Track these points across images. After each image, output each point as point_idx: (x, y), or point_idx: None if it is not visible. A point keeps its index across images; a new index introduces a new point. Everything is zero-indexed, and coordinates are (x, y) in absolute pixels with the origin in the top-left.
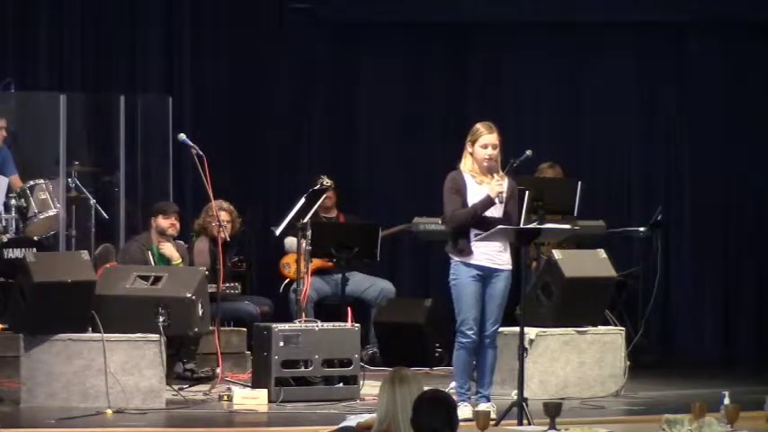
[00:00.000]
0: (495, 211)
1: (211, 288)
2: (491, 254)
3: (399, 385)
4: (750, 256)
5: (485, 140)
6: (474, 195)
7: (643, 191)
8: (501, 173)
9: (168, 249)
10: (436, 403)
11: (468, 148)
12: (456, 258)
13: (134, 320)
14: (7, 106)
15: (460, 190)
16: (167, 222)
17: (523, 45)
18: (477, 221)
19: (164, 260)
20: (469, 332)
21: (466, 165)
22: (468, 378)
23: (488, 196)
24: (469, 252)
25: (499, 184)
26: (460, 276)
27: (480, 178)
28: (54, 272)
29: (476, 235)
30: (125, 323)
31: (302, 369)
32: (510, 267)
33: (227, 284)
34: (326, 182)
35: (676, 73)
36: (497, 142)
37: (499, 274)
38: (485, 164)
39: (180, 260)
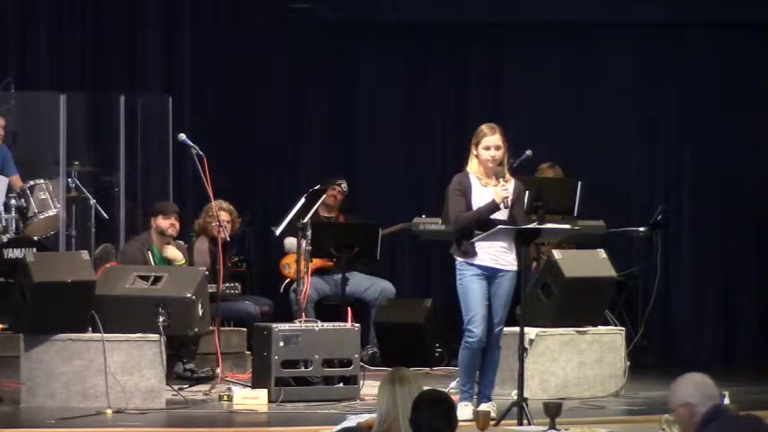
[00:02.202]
0: (501, 215)
1: (211, 288)
2: (495, 254)
3: (399, 385)
4: (750, 256)
5: (487, 142)
6: (479, 197)
7: (643, 191)
8: (507, 176)
9: (172, 252)
10: (435, 403)
11: (474, 151)
12: (460, 259)
13: (134, 320)
14: (7, 106)
15: (465, 192)
16: (167, 223)
17: (523, 45)
18: (482, 225)
19: (164, 260)
20: (476, 330)
21: (472, 167)
22: (473, 377)
23: (493, 201)
24: (473, 253)
25: (504, 189)
26: (465, 276)
27: (486, 180)
28: (54, 272)
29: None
30: (125, 323)
31: (302, 369)
32: (515, 268)
33: (227, 284)
34: (344, 185)
35: (676, 73)
36: (500, 143)
37: (504, 274)
38: (489, 165)
39: (183, 260)
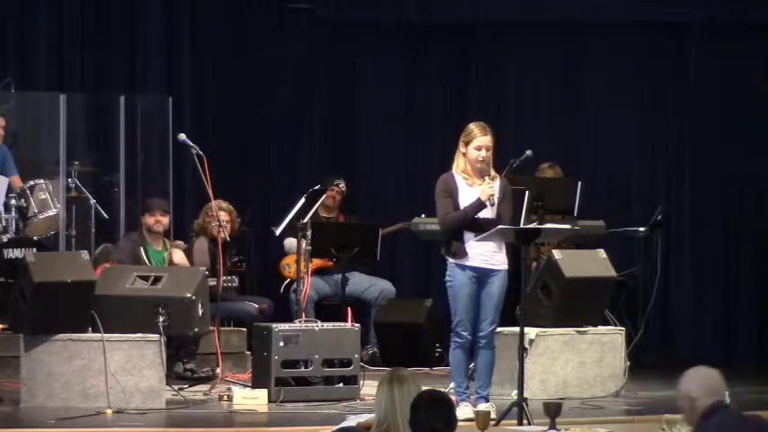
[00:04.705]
0: (488, 213)
1: (211, 282)
2: (486, 255)
3: (397, 386)
4: (750, 256)
5: (478, 142)
6: (465, 197)
7: (643, 191)
8: (493, 174)
9: (178, 257)
10: (435, 403)
11: (462, 149)
12: (451, 260)
13: (134, 320)
14: (7, 106)
15: (452, 192)
16: (152, 219)
17: (523, 45)
18: (470, 224)
19: (158, 258)
20: (464, 333)
21: (458, 165)
22: (466, 377)
23: (479, 199)
24: (464, 254)
25: (490, 187)
26: (456, 278)
27: (472, 180)
28: (54, 272)
29: (475, 236)
30: (125, 323)
31: (302, 369)
32: (506, 268)
33: (225, 277)
34: (342, 185)
35: (676, 73)
36: (491, 144)
37: (495, 274)
38: (477, 165)
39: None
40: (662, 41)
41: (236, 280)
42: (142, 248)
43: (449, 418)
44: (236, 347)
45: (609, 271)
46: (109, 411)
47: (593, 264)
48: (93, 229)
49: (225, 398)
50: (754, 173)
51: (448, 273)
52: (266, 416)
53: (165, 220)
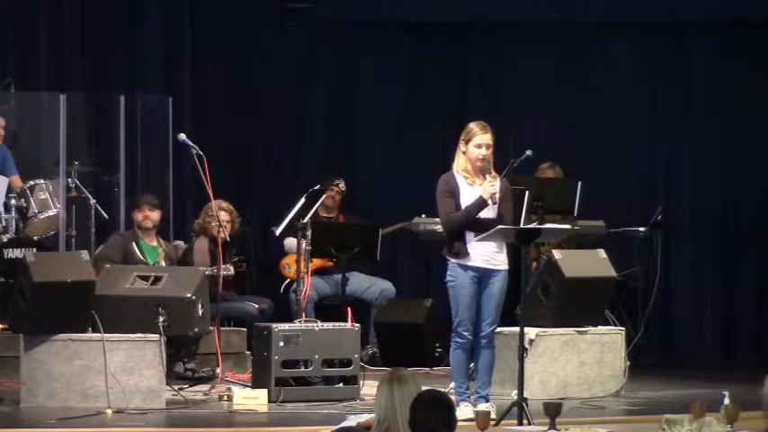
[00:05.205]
0: (489, 213)
1: (209, 271)
2: (487, 255)
3: (397, 386)
4: (750, 256)
5: (479, 140)
6: (467, 197)
7: (643, 191)
8: (494, 173)
9: None
10: (434, 403)
11: (462, 148)
12: (453, 260)
13: (134, 320)
14: (7, 106)
15: (453, 192)
16: (141, 215)
17: (523, 45)
18: (472, 224)
19: (152, 253)
20: (465, 333)
21: (459, 165)
22: (467, 377)
23: (481, 198)
24: (466, 254)
25: (492, 185)
26: (458, 278)
27: (473, 179)
28: (54, 272)
29: (475, 236)
30: (125, 323)
31: (302, 369)
32: (506, 267)
33: (222, 266)
34: (342, 185)
35: (676, 73)
36: (491, 142)
37: (496, 274)
38: (478, 164)
39: None
40: (662, 41)
41: (231, 268)
42: (135, 244)
43: (448, 418)
44: (236, 347)
45: (609, 271)
46: (109, 411)
47: (594, 264)
48: (93, 229)
49: (225, 398)
50: (754, 173)
51: (449, 273)
52: (266, 416)
53: (155, 215)
